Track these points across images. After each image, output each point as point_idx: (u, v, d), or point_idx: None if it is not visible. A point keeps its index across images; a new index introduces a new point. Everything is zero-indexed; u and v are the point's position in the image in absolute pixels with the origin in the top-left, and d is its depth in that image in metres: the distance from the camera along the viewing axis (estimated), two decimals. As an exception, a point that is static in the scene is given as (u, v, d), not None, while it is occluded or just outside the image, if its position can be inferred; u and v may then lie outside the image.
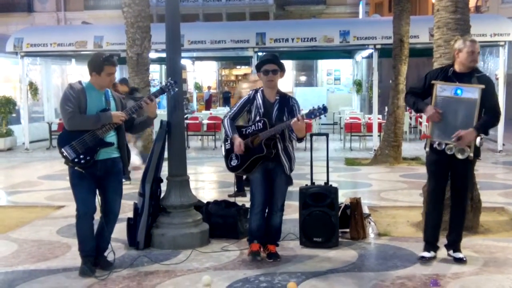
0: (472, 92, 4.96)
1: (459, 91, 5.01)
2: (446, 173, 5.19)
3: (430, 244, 5.27)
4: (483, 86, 4.93)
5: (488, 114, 5.03)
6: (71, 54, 16.25)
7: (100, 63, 4.77)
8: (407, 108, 13.38)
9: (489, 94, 5.01)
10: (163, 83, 5.26)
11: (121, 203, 5.11)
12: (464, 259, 5.10)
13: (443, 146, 5.02)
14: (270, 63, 5.15)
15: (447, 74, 5.14)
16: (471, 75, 5.06)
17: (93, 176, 4.78)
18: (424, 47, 13.45)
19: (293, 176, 5.40)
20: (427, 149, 5.15)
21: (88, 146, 4.70)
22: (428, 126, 5.28)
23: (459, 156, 4.97)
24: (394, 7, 12.04)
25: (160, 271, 4.96)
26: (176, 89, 5.27)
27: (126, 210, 6.76)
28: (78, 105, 4.70)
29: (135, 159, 9.21)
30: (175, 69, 5.81)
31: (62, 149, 4.70)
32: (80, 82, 4.86)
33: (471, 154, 4.97)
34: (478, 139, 4.92)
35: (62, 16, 29.80)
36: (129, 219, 5.77)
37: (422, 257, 5.21)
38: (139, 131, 5.38)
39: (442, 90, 5.08)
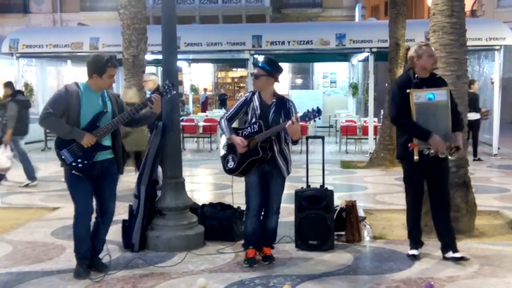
0: (442, 95, 5.16)
1: (431, 96, 5.15)
2: (423, 172, 5.30)
3: (417, 241, 5.43)
4: (450, 88, 5.21)
5: (456, 112, 5.26)
6: (66, 56, 16.24)
7: (102, 65, 4.73)
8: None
9: (452, 93, 5.30)
10: (161, 86, 5.24)
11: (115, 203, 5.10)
12: (467, 257, 5.17)
13: (432, 151, 5.10)
14: (256, 67, 5.23)
15: (415, 81, 5.22)
16: (433, 77, 5.28)
17: (90, 177, 4.76)
18: (420, 51, 13.45)
19: (289, 179, 5.39)
20: (417, 157, 5.09)
21: (86, 150, 4.68)
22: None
23: (441, 155, 5.10)
24: (390, 10, 12.09)
25: (155, 274, 4.94)
26: (174, 92, 5.26)
27: (121, 212, 6.74)
28: (67, 108, 4.65)
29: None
30: (171, 71, 5.80)
31: (60, 152, 4.68)
32: (76, 84, 4.81)
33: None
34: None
35: (58, 17, 29.73)
36: (124, 221, 5.75)
37: (413, 255, 5.33)
38: (140, 125, 5.34)
39: (418, 97, 5.16)
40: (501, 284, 4.66)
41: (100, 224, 4.93)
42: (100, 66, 4.73)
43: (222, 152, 5.35)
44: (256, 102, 5.19)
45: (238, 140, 5.09)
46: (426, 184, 5.38)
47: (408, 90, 5.15)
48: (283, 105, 5.19)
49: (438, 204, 5.32)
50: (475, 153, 12.81)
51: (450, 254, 5.23)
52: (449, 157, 5.15)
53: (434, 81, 5.23)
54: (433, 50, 5.28)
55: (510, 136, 17.12)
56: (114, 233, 5.78)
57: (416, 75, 5.22)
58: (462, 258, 5.15)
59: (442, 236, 5.33)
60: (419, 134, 5.09)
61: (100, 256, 5.05)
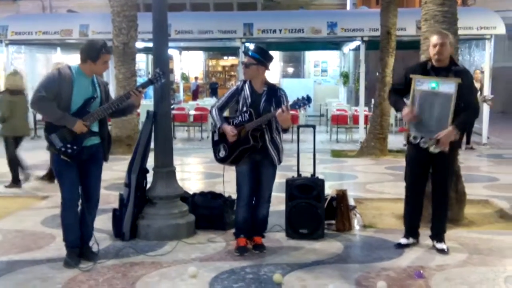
0: (448, 86, 4.97)
1: (434, 85, 5.02)
2: (425, 165, 5.25)
3: (408, 230, 5.40)
4: (459, 80, 4.93)
5: (466, 110, 5.04)
6: (56, 43, 16.13)
7: (97, 51, 4.70)
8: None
9: (466, 88, 5.01)
10: (151, 74, 5.21)
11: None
12: (446, 250, 5.17)
13: (418, 140, 5.07)
14: (246, 55, 5.20)
15: (426, 68, 5.17)
16: (448, 69, 5.09)
17: (78, 162, 4.73)
18: (411, 40, 13.49)
19: (280, 168, 5.39)
20: (405, 141, 5.22)
21: (75, 135, 4.65)
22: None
23: (433, 150, 5.02)
24: (381, -1, 12.05)
25: (146, 262, 4.94)
26: (164, 80, 5.23)
27: (112, 201, 6.73)
28: (59, 92, 4.61)
29: None
30: (162, 59, 5.75)
31: (49, 137, 4.64)
32: (69, 67, 4.76)
33: (446, 148, 5.00)
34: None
35: (47, 4, 29.36)
36: (114, 210, 5.73)
37: (398, 244, 5.35)
38: (118, 117, 5.31)
39: (420, 84, 5.11)
40: (490, 272, 4.69)
41: (86, 211, 4.90)
42: (94, 51, 4.70)
43: (213, 139, 5.33)
44: (247, 91, 5.17)
45: (228, 129, 5.07)
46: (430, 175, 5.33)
47: (411, 75, 5.14)
48: (274, 93, 5.17)
49: (435, 195, 5.30)
50: (468, 141, 12.84)
51: (435, 243, 5.28)
52: (430, 150, 5.03)
53: (447, 72, 5.05)
54: (439, 40, 5.01)
55: (499, 126, 17.21)
56: (105, 221, 5.78)
57: (429, 63, 5.16)
58: (442, 250, 5.17)
59: (432, 224, 5.36)
60: (395, 106, 5.36)
61: (90, 244, 5.03)
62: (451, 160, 5.31)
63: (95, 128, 4.83)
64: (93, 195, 4.97)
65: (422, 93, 5.09)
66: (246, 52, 5.24)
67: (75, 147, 4.67)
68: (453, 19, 6.44)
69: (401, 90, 5.28)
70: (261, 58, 5.11)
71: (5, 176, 8.97)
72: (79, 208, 4.91)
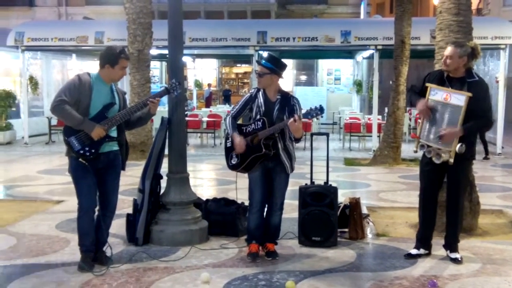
0: (459, 99, 4.96)
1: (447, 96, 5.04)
2: (439, 174, 5.25)
3: (420, 241, 5.37)
4: (470, 94, 4.90)
5: (477, 119, 5.02)
6: (71, 49, 16.27)
7: (115, 56, 4.77)
8: (407, 109, 13.41)
9: (478, 100, 4.97)
10: (168, 84, 5.26)
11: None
12: (459, 259, 5.15)
13: (424, 149, 5.09)
14: (259, 65, 5.19)
15: (442, 77, 5.18)
16: (463, 80, 5.09)
17: (95, 169, 4.78)
18: (425, 49, 13.47)
19: (293, 175, 5.40)
20: (415, 149, 5.28)
21: (94, 139, 4.71)
22: (419, 126, 5.33)
23: (435, 161, 5.04)
24: (396, 8, 12.07)
25: (159, 268, 4.97)
26: (180, 91, 5.29)
27: (126, 206, 6.78)
28: (79, 98, 4.68)
29: None
30: (177, 67, 5.81)
31: (68, 139, 4.70)
32: (88, 74, 4.83)
33: (451, 160, 4.97)
34: (458, 145, 4.92)
35: (63, 11, 29.71)
36: (128, 215, 5.77)
37: (408, 254, 5.33)
38: (134, 127, 5.35)
39: (435, 93, 5.12)
40: (503, 283, 4.67)
41: (101, 218, 4.93)
42: (113, 56, 4.77)
43: (226, 146, 5.35)
44: (260, 99, 5.19)
45: (237, 141, 5.09)
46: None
47: (427, 84, 5.18)
48: (287, 102, 5.19)
49: (449, 204, 5.27)
50: (486, 152, 12.80)
51: (448, 252, 5.27)
52: (433, 159, 5.02)
53: (462, 84, 5.04)
54: (449, 52, 5.05)
55: (514, 135, 17.07)
56: (118, 227, 5.82)
57: (445, 73, 5.17)
58: (455, 260, 5.15)
59: (446, 234, 5.35)
60: (409, 99, 5.47)
61: (104, 249, 5.06)
62: (464, 170, 5.29)
63: (113, 133, 4.88)
64: (110, 202, 5.01)
65: (435, 103, 5.11)
66: (259, 62, 5.26)
67: (93, 150, 4.71)
68: (468, 28, 6.43)
69: (417, 93, 5.31)
70: (274, 67, 5.13)
71: (18, 180, 9.08)
72: (96, 214, 4.96)
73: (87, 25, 16.84)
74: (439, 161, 5.02)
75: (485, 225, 6.56)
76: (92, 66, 19.56)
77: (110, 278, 4.68)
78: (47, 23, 19.34)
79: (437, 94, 5.09)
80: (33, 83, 16.46)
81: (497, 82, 14.03)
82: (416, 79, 5.38)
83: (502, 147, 14.06)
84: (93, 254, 4.94)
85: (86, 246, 4.90)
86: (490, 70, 15.42)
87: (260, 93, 5.22)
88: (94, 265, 4.87)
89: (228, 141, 5.31)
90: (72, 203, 7.22)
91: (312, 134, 6.54)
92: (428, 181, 5.28)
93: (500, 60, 14.01)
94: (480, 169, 10.61)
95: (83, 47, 15.28)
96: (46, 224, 6.52)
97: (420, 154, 5.30)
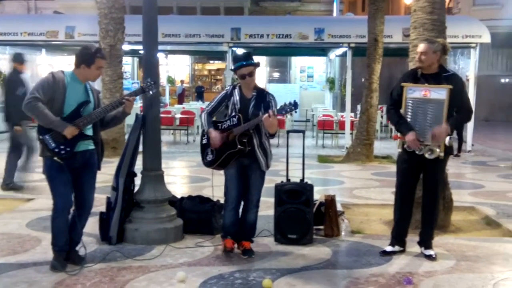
0: (440, 93, 5.02)
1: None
2: (416, 172, 5.29)
3: (395, 238, 5.41)
4: (450, 87, 4.99)
5: (460, 112, 5.13)
6: (41, 44, 15.95)
7: (91, 55, 4.67)
8: (379, 106, 13.52)
9: (458, 93, 5.07)
10: (143, 83, 5.20)
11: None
12: (434, 256, 5.20)
13: (415, 148, 5.11)
14: (244, 67, 5.10)
15: (416, 76, 5.21)
16: (438, 75, 5.14)
17: (71, 168, 4.68)
18: (398, 47, 13.61)
19: (269, 173, 5.38)
20: (399, 149, 5.27)
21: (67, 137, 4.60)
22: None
23: (428, 156, 5.06)
24: (369, 6, 12.15)
25: (133, 267, 4.89)
26: (155, 90, 5.23)
27: (99, 204, 6.66)
28: (52, 96, 4.57)
29: None
30: (151, 63, 5.72)
31: (43, 138, 4.58)
32: (62, 72, 4.72)
33: (442, 154, 5.05)
34: (447, 138, 5.00)
35: (32, 5, 29.16)
36: (101, 214, 5.67)
37: (384, 251, 5.35)
38: (109, 127, 5.22)
39: (412, 92, 5.14)
40: (477, 279, 4.72)
41: (77, 218, 4.83)
42: (89, 56, 4.67)
43: (201, 143, 5.31)
44: (236, 96, 5.16)
45: (213, 135, 5.07)
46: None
47: (402, 84, 5.18)
48: (263, 98, 5.17)
49: (425, 201, 5.32)
50: (459, 149, 12.96)
51: (422, 249, 5.32)
52: (426, 155, 5.07)
53: (438, 79, 5.09)
54: (422, 48, 5.10)
55: (483, 133, 17.41)
56: (92, 225, 5.70)
57: (419, 70, 5.20)
58: (430, 257, 5.20)
59: (421, 230, 5.40)
60: (398, 128, 5.23)
61: (77, 248, 4.97)
62: (442, 167, 5.34)
63: (89, 132, 4.78)
64: (87, 202, 4.91)
65: (414, 101, 5.13)
66: (243, 65, 5.11)
67: (68, 149, 4.61)
68: (442, 27, 6.50)
69: (399, 102, 5.22)
70: (253, 61, 5.14)
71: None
72: (71, 213, 4.85)
73: (57, 20, 16.56)
74: (432, 156, 5.03)
75: (458, 222, 6.65)
76: (62, 61, 19.23)
77: (84, 278, 4.59)
78: (16, 17, 18.97)
79: (414, 92, 5.12)
80: (2, 78, 16.09)
81: (468, 80, 14.25)
82: (388, 77, 5.36)
83: (472, 145, 14.30)
84: (66, 253, 4.83)
85: (59, 246, 4.79)
86: (461, 68, 15.72)
87: (236, 90, 5.19)
88: (67, 265, 4.77)
89: (204, 137, 5.28)
90: (42, 201, 7.12)
91: (288, 132, 6.53)
92: (405, 179, 5.31)
93: (470, 58, 14.23)
94: (451, 166, 10.69)
95: (53, 42, 15.03)
96: (16, 222, 6.37)
97: (392, 151, 5.32)
